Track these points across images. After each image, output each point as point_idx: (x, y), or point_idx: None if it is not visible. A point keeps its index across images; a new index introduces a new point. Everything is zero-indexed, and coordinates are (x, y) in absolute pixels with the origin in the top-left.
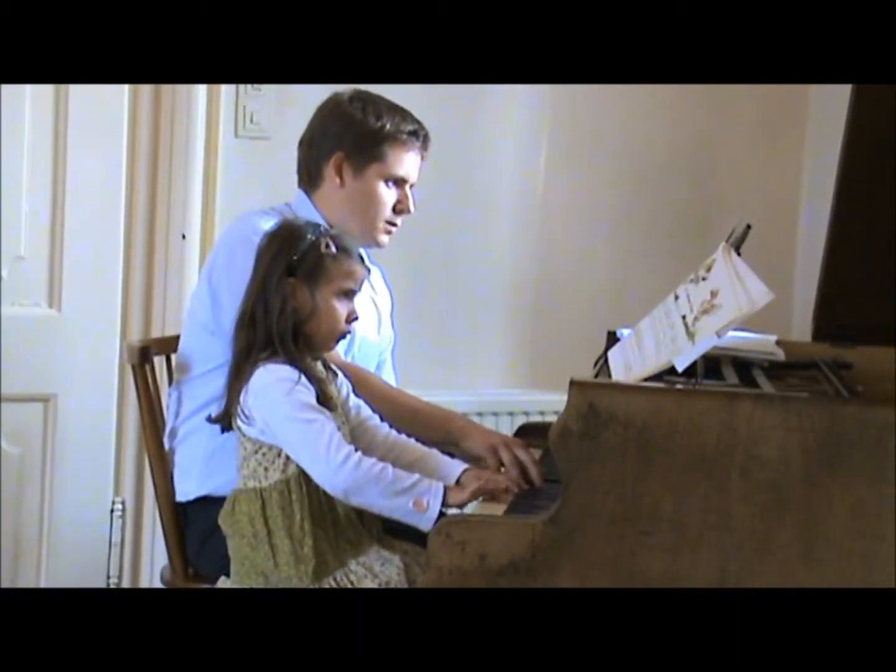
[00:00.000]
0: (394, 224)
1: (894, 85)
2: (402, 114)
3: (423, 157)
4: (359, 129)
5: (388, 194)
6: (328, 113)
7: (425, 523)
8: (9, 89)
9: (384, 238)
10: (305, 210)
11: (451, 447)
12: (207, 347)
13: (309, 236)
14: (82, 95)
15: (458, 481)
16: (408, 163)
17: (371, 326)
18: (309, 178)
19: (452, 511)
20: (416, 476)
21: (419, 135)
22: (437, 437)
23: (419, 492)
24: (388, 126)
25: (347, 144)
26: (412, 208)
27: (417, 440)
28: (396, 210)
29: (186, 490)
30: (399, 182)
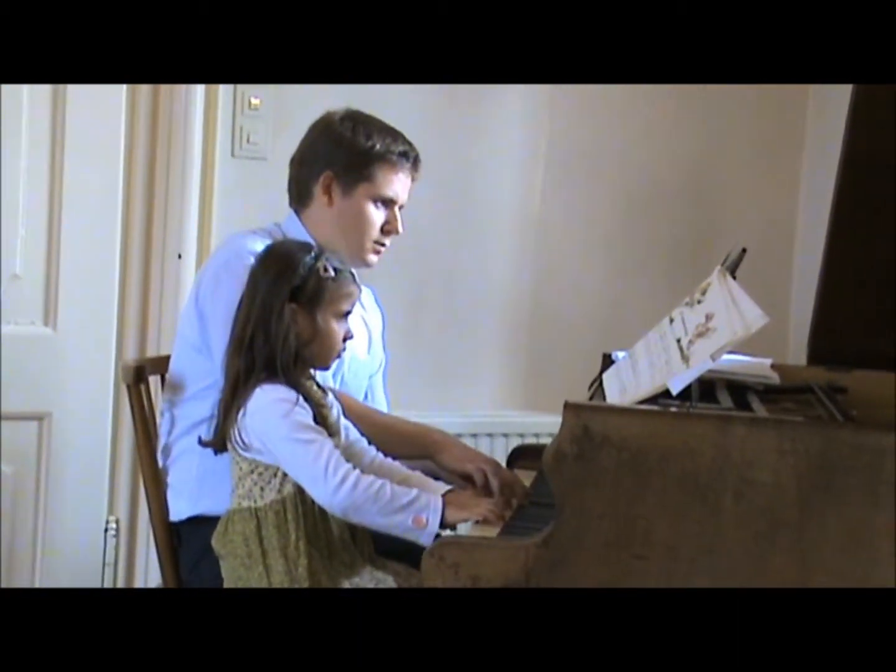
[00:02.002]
0: (382, 244)
1: (890, 111)
2: (392, 135)
3: (413, 179)
4: (348, 148)
5: (376, 215)
6: (319, 132)
7: (425, 539)
8: (6, 108)
9: (373, 258)
10: (295, 229)
11: (427, 461)
12: (197, 366)
13: (306, 260)
14: (79, 114)
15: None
16: (397, 184)
17: (361, 346)
18: (299, 196)
19: (446, 532)
20: (415, 492)
21: (409, 156)
22: (413, 452)
23: (418, 508)
24: (378, 146)
25: (337, 164)
26: (400, 229)
27: (395, 457)
28: (384, 231)
29: (179, 510)
30: (388, 203)
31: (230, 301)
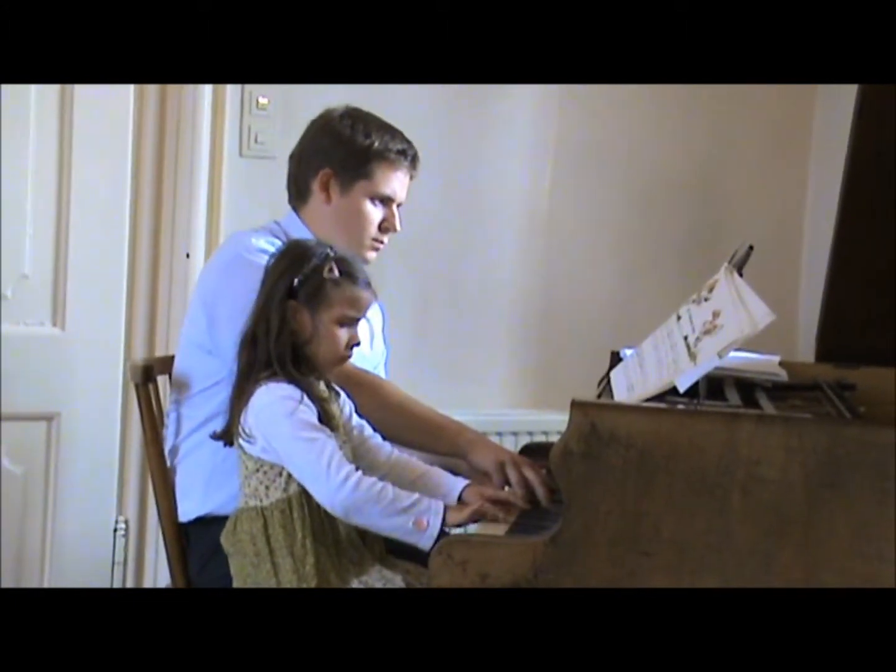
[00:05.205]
0: (380, 242)
1: None
2: (391, 132)
3: (411, 177)
4: (347, 146)
5: (374, 212)
6: (318, 129)
7: (426, 542)
8: (13, 108)
9: (370, 255)
10: (295, 227)
11: (458, 459)
12: (204, 367)
13: (314, 260)
14: (87, 114)
15: (459, 498)
16: (395, 182)
17: (364, 343)
18: (297, 193)
19: (455, 531)
20: (416, 495)
21: (408, 154)
22: (446, 449)
23: (419, 511)
24: (376, 144)
25: (335, 161)
26: (398, 227)
27: (425, 451)
28: (382, 228)
29: (187, 510)
30: (386, 201)
31: (237, 297)
